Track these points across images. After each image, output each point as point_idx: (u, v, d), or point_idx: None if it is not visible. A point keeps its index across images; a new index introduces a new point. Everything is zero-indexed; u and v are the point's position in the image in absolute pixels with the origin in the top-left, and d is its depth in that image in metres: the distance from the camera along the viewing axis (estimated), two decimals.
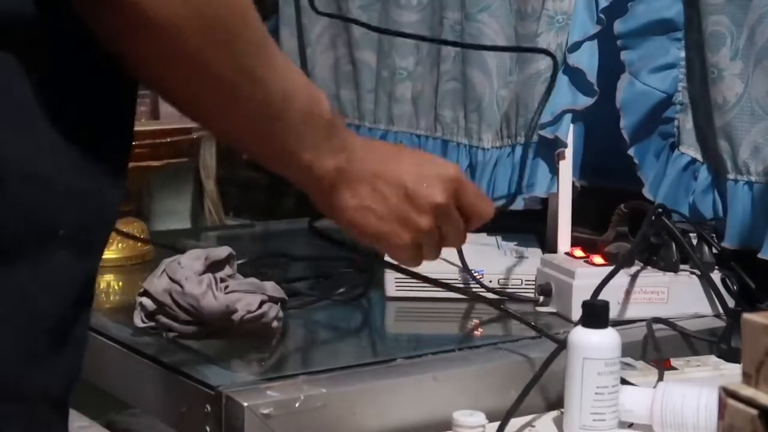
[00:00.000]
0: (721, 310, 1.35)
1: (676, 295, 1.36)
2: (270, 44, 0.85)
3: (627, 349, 1.13)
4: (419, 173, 1.02)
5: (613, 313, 1.30)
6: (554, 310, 1.38)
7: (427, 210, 1.02)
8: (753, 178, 1.41)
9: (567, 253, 1.42)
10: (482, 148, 1.73)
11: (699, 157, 1.52)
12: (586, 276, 1.32)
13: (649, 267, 1.37)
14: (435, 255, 1.06)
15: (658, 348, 1.27)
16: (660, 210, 1.38)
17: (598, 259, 1.37)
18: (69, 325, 0.79)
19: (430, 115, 1.86)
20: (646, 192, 1.55)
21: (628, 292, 1.34)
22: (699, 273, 1.37)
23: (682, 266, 1.37)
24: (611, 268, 1.31)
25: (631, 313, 1.34)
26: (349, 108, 2.04)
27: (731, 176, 1.43)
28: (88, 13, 0.76)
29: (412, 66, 1.90)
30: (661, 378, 1.15)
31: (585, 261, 1.38)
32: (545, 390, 1.14)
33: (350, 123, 2.05)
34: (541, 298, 1.39)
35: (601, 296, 1.26)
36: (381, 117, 1.97)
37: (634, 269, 1.35)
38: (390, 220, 1.01)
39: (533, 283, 1.43)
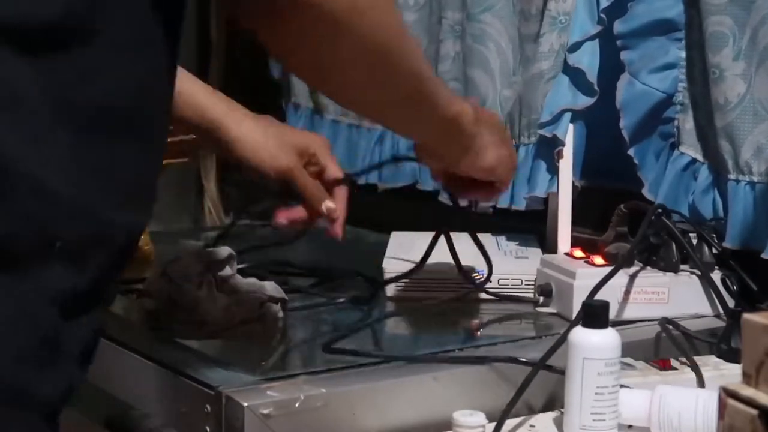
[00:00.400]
0: (721, 311, 1.35)
1: (677, 295, 1.35)
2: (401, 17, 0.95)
3: (628, 349, 1.13)
4: (492, 114, 1.26)
5: (614, 314, 1.30)
6: (555, 311, 1.37)
7: (510, 145, 1.25)
8: (755, 179, 1.41)
9: (567, 254, 1.42)
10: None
11: (699, 157, 1.52)
12: (586, 276, 1.32)
13: (648, 267, 1.36)
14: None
15: (661, 348, 1.27)
16: (660, 210, 1.38)
17: (598, 260, 1.37)
18: (63, 337, 0.79)
19: None
20: (646, 192, 1.55)
21: (629, 293, 1.33)
22: (699, 273, 1.37)
23: (681, 266, 1.37)
24: (611, 268, 1.31)
25: (631, 313, 1.33)
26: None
27: (733, 176, 1.43)
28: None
29: None
30: (660, 378, 1.15)
31: (585, 261, 1.37)
32: (545, 390, 1.14)
33: (351, 123, 2.05)
34: (541, 299, 1.39)
35: (602, 297, 1.26)
36: None
37: (634, 269, 1.35)
38: (507, 145, 1.22)
39: (533, 283, 1.43)
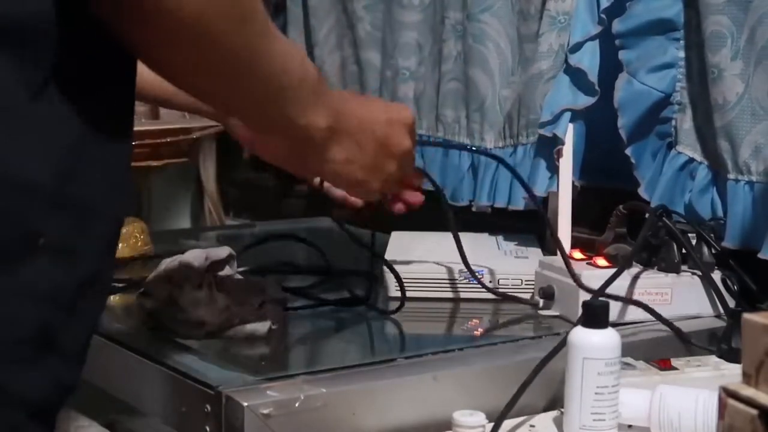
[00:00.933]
0: (722, 311, 1.35)
1: (679, 296, 1.35)
2: (270, 23, 0.89)
3: (628, 349, 1.13)
4: (389, 120, 1.14)
5: (619, 316, 1.30)
6: (557, 314, 1.36)
7: (397, 156, 1.14)
8: (754, 178, 1.41)
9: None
10: (484, 149, 1.73)
11: (697, 156, 1.52)
12: (591, 279, 1.31)
13: (649, 268, 1.36)
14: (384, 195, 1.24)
15: (661, 348, 1.27)
16: (661, 211, 1.38)
17: (601, 261, 1.36)
18: (53, 333, 0.78)
19: (432, 115, 1.86)
20: (642, 192, 1.54)
21: (633, 294, 1.33)
22: (700, 273, 1.36)
23: (681, 267, 1.37)
24: (614, 269, 1.30)
25: (636, 315, 1.32)
26: None
27: (732, 176, 1.43)
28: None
29: (414, 66, 1.90)
30: (661, 377, 1.15)
31: (588, 263, 1.37)
32: (545, 390, 1.14)
33: None
34: (541, 302, 1.38)
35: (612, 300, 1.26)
36: None
37: (635, 270, 1.34)
38: (368, 168, 1.12)
39: (533, 283, 1.43)
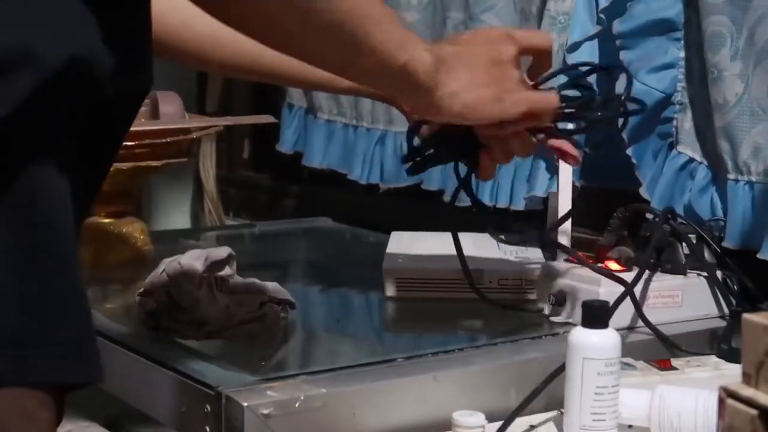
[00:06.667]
0: (727, 311, 1.35)
1: (688, 297, 1.34)
2: None
3: (628, 349, 1.13)
4: (486, 36, 1.09)
5: (634, 320, 1.29)
6: (570, 320, 1.31)
7: (507, 61, 1.07)
8: (753, 178, 1.41)
9: (567, 260, 1.37)
10: None
11: (697, 156, 1.52)
12: (611, 284, 1.27)
13: (655, 271, 1.35)
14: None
15: (661, 348, 1.26)
16: (669, 213, 1.37)
17: (613, 265, 1.33)
18: None
19: None
20: (644, 192, 1.54)
21: (648, 298, 1.31)
22: (706, 275, 1.36)
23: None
24: (628, 273, 1.29)
25: (651, 318, 1.29)
26: (347, 108, 2.05)
27: (732, 176, 1.43)
28: None
29: None
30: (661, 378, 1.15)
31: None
32: (545, 390, 1.14)
33: (347, 123, 2.05)
34: (547, 308, 1.35)
35: (625, 303, 1.25)
36: (379, 117, 1.97)
37: (645, 273, 1.31)
38: (494, 83, 1.06)
39: (533, 283, 1.42)
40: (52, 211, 0.77)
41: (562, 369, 1.10)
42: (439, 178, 1.82)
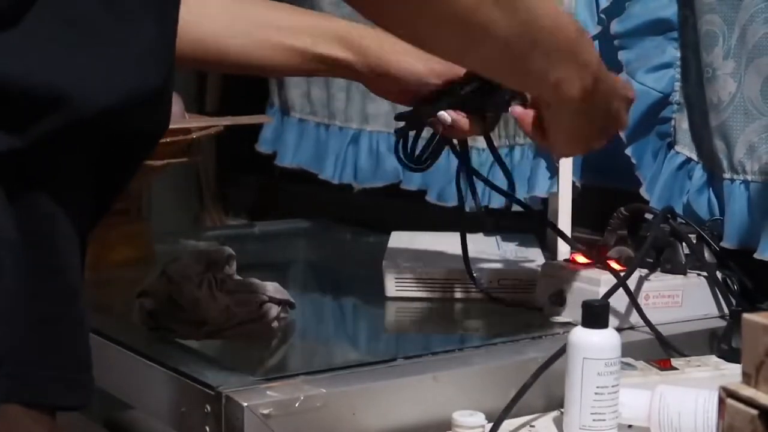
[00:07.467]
0: (727, 311, 1.35)
1: (688, 297, 1.34)
2: None
3: (628, 349, 1.13)
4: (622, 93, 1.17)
5: (636, 319, 1.29)
6: (569, 320, 1.31)
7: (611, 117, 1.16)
8: (749, 177, 1.41)
9: (567, 260, 1.37)
10: (477, 149, 1.72)
11: (694, 156, 1.52)
12: (611, 284, 1.26)
13: (655, 270, 1.35)
14: None
15: (661, 348, 1.26)
16: (669, 213, 1.37)
17: (613, 265, 1.31)
18: None
19: None
20: (644, 191, 1.54)
21: (648, 297, 1.31)
22: (706, 274, 1.36)
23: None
24: (626, 271, 1.28)
25: (651, 318, 1.29)
26: (319, 107, 2.04)
27: (727, 175, 1.43)
28: None
29: None
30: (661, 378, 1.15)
31: (598, 267, 1.32)
32: (545, 390, 1.14)
33: (320, 122, 2.05)
34: (547, 308, 1.34)
35: (621, 303, 1.25)
36: (353, 116, 1.96)
37: (644, 273, 1.32)
38: (594, 133, 1.16)
39: (533, 283, 1.42)
40: (66, 238, 0.78)
41: (552, 361, 1.10)
42: (439, 178, 1.82)
